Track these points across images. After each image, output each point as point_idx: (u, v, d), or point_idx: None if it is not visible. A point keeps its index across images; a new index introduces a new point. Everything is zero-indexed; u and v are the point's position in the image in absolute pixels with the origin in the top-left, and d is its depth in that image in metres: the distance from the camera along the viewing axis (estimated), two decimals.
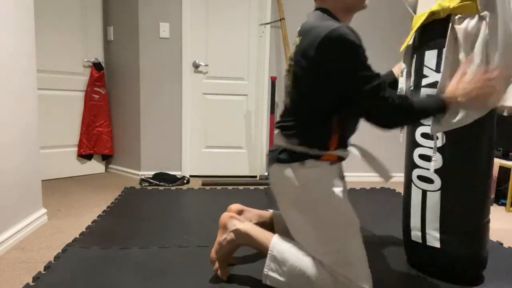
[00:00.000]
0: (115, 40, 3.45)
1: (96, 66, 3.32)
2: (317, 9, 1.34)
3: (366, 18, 3.41)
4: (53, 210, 2.34)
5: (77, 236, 1.92)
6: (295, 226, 1.33)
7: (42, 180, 2.17)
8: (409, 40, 1.54)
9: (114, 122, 3.55)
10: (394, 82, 1.65)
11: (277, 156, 1.34)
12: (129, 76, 3.35)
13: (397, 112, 1.20)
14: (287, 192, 1.32)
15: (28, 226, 1.95)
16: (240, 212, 1.60)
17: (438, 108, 1.23)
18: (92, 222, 2.13)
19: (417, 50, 1.54)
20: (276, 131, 1.40)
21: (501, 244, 1.94)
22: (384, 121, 1.22)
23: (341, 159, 1.35)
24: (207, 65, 3.34)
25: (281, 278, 1.31)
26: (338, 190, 1.29)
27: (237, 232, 1.42)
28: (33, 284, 1.42)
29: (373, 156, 1.42)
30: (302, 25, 1.33)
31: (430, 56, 1.46)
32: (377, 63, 3.40)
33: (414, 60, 1.56)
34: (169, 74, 3.28)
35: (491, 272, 1.57)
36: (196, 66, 3.31)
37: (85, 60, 3.29)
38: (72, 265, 1.58)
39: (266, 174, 3.42)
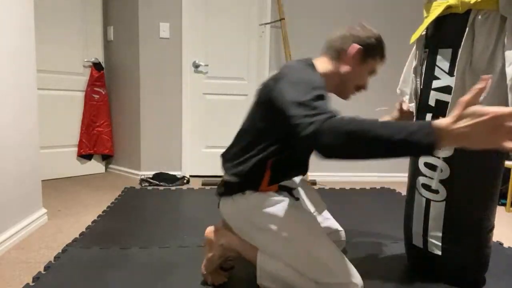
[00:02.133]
0: (115, 40, 3.45)
1: (96, 66, 3.32)
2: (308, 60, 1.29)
3: (364, 14, 3.42)
4: (53, 210, 2.34)
5: (77, 236, 1.92)
6: (261, 246, 1.31)
7: (42, 180, 2.17)
8: (421, 31, 1.39)
9: (114, 122, 3.55)
10: None
11: (218, 192, 1.41)
12: (129, 76, 3.35)
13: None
14: (237, 221, 1.34)
15: (28, 226, 1.95)
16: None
17: (421, 148, 0.84)
18: (92, 222, 2.13)
19: (429, 45, 1.40)
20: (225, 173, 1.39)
21: (501, 244, 1.94)
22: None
23: (284, 188, 1.36)
24: (207, 65, 3.34)
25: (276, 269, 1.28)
26: (281, 207, 1.28)
27: (224, 246, 1.39)
28: (33, 284, 1.42)
29: (311, 188, 1.41)
30: None
31: (444, 56, 1.32)
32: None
33: (425, 56, 1.43)
34: (169, 74, 3.28)
35: (491, 272, 1.57)
36: (196, 66, 3.31)
37: (85, 60, 3.29)
38: (72, 265, 1.58)
39: None
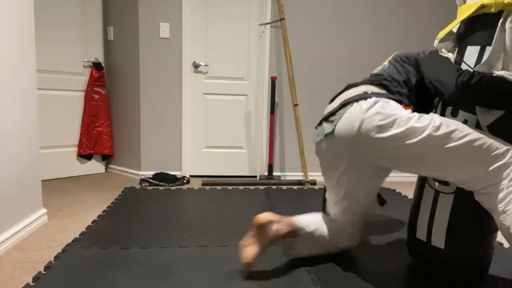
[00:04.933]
0: (115, 40, 3.45)
1: (96, 66, 3.32)
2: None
3: (364, 14, 3.42)
4: (53, 210, 2.34)
5: (77, 236, 1.92)
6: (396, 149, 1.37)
7: (42, 180, 2.17)
8: (451, 28, 1.46)
9: (114, 122, 3.55)
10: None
11: (363, 96, 1.45)
12: (129, 76, 3.35)
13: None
14: (371, 122, 1.38)
15: (28, 226, 1.95)
16: (270, 223, 1.54)
17: None
18: (92, 222, 2.13)
19: (458, 42, 1.46)
20: (364, 86, 1.58)
21: (501, 244, 1.94)
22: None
23: None
24: (207, 65, 3.34)
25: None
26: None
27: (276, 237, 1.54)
28: (33, 284, 1.42)
29: None
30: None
31: (471, 52, 1.38)
32: (375, 63, 3.40)
33: (455, 53, 1.48)
34: (169, 74, 3.28)
35: (491, 273, 1.57)
36: (196, 66, 3.31)
37: (85, 60, 3.29)
38: (72, 265, 1.58)
39: (266, 174, 3.42)
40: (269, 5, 3.27)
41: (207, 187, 3.05)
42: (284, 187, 3.15)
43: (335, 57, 3.42)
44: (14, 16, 1.84)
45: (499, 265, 1.66)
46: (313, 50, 3.40)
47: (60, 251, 1.72)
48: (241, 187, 3.09)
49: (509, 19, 1.27)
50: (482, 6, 1.33)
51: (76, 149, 3.32)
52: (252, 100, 3.42)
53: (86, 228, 2.03)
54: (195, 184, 3.17)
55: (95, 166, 3.48)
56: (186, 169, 3.37)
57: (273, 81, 3.29)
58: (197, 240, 1.88)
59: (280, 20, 3.21)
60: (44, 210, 2.16)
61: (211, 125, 3.41)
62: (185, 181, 3.18)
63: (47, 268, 1.55)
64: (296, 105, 3.31)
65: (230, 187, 3.07)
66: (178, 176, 3.21)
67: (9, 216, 1.80)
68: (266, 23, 3.29)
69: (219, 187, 3.06)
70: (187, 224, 2.14)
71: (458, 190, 1.41)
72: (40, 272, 1.51)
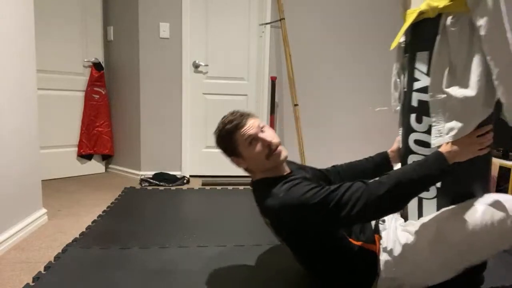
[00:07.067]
0: (115, 40, 3.44)
1: (96, 66, 3.32)
2: (256, 182, 1.43)
3: (364, 15, 3.42)
4: (53, 210, 2.33)
5: (77, 236, 1.92)
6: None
7: (42, 180, 2.17)
8: (399, 38, 1.45)
9: (114, 122, 3.55)
10: (385, 166, 1.64)
11: None
12: (129, 76, 3.35)
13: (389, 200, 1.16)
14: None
15: (28, 226, 1.95)
16: None
17: (441, 172, 1.19)
18: (92, 222, 2.13)
19: (408, 50, 1.45)
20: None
21: None
22: (380, 214, 1.25)
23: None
24: (207, 65, 3.34)
25: None
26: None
27: None
28: (33, 284, 1.42)
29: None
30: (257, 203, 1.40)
31: (421, 58, 1.37)
32: (375, 63, 3.40)
33: (406, 60, 1.47)
34: (169, 74, 3.27)
35: (490, 272, 1.57)
36: (196, 66, 3.31)
37: (85, 60, 3.29)
38: (72, 265, 1.58)
39: None
40: (269, 5, 3.27)
41: (207, 187, 3.05)
42: None
43: (335, 57, 3.42)
44: (15, 16, 1.84)
45: (499, 265, 1.66)
46: (313, 50, 3.40)
47: (60, 251, 1.72)
48: (241, 187, 3.09)
49: (449, 23, 1.25)
50: (421, 13, 1.33)
51: (76, 149, 3.32)
52: (252, 100, 3.42)
53: (86, 228, 2.03)
54: (195, 184, 3.17)
55: (95, 166, 3.48)
56: (186, 169, 3.37)
57: (273, 81, 3.29)
58: (197, 240, 1.88)
59: (280, 20, 3.21)
60: (44, 210, 2.16)
61: (211, 125, 3.39)
62: (185, 181, 3.18)
63: (47, 268, 1.55)
64: (296, 105, 3.31)
65: (230, 187, 3.07)
66: (178, 176, 3.20)
67: (9, 216, 1.80)
68: (266, 23, 3.29)
69: (219, 187, 3.06)
70: (187, 224, 2.14)
71: (439, 194, 1.38)
72: (40, 272, 1.51)
